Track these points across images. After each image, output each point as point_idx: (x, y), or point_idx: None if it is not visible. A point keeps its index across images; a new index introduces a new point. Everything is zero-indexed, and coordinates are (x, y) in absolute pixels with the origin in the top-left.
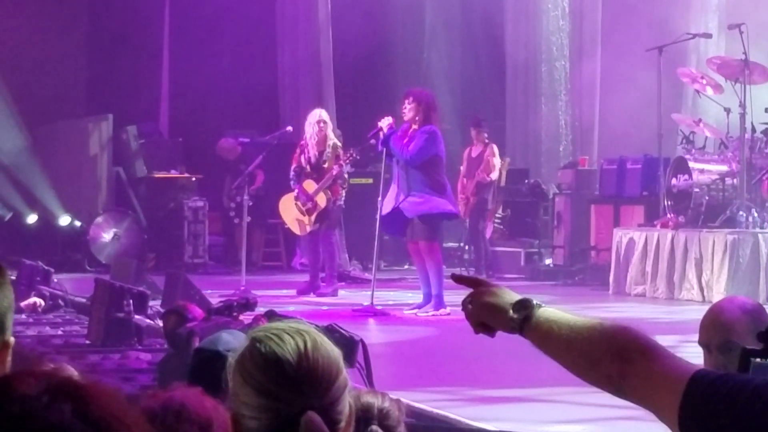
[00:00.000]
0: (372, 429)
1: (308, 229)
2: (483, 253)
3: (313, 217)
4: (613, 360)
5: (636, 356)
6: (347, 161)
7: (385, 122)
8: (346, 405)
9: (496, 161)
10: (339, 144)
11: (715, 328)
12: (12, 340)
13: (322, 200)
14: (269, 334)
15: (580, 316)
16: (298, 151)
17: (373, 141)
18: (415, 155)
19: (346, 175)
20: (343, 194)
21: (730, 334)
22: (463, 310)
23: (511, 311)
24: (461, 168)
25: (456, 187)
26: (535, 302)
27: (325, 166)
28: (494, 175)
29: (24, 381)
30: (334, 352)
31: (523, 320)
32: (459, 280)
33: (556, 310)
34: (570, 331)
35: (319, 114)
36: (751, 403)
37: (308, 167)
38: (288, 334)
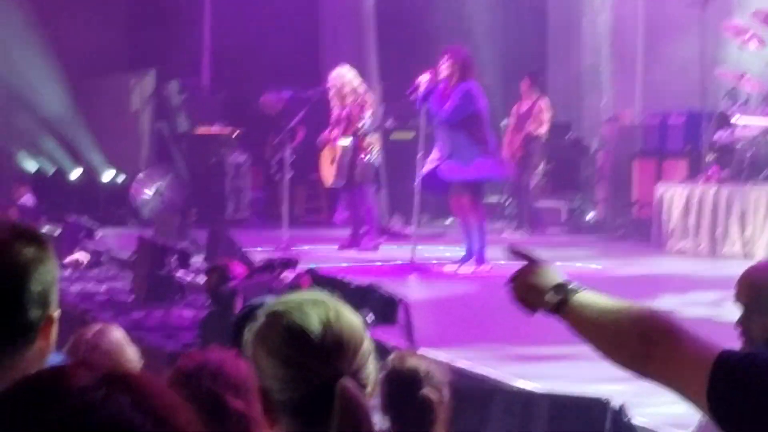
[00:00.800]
0: (423, 393)
1: (331, 179)
2: (526, 208)
3: (334, 167)
4: (639, 342)
5: (661, 338)
6: (361, 112)
7: (424, 78)
8: (372, 370)
9: (546, 116)
10: (367, 99)
11: (745, 286)
12: (56, 314)
13: (339, 149)
14: (289, 307)
15: (613, 301)
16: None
17: (414, 97)
18: (451, 114)
19: (363, 125)
20: (374, 150)
21: (757, 294)
22: (508, 285)
23: (549, 293)
24: (508, 122)
25: (501, 143)
26: (571, 286)
27: (347, 117)
28: (543, 130)
29: (80, 373)
30: (356, 319)
31: (559, 303)
32: (516, 253)
33: (593, 294)
34: (600, 314)
35: (341, 72)
36: None
37: (336, 120)
38: (308, 304)
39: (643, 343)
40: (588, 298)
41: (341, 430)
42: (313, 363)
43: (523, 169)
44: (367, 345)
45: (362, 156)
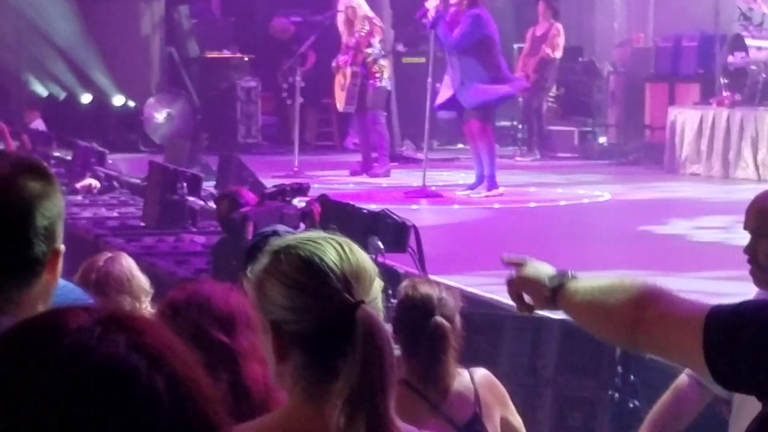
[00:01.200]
0: (435, 320)
1: (342, 104)
2: (536, 132)
3: (346, 94)
4: (630, 309)
5: (648, 303)
6: (369, 38)
7: (432, 2)
8: (382, 307)
9: (561, 40)
10: (376, 23)
11: (754, 213)
12: (62, 248)
13: (348, 75)
14: (301, 241)
15: (607, 279)
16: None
17: (425, 20)
18: (459, 40)
19: (372, 51)
20: (384, 75)
21: (764, 220)
22: (506, 286)
23: (546, 282)
24: (522, 46)
25: (514, 67)
26: (570, 274)
27: (355, 43)
28: (558, 54)
29: (76, 314)
30: (368, 258)
31: (556, 290)
32: (509, 263)
33: (589, 278)
34: (593, 292)
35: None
36: None
37: (345, 46)
38: (321, 239)
39: (632, 308)
40: (583, 281)
41: (365, 358)
42: (331, 291)
43: (536, 93)
44: (379, 282)
45: (372, 82)
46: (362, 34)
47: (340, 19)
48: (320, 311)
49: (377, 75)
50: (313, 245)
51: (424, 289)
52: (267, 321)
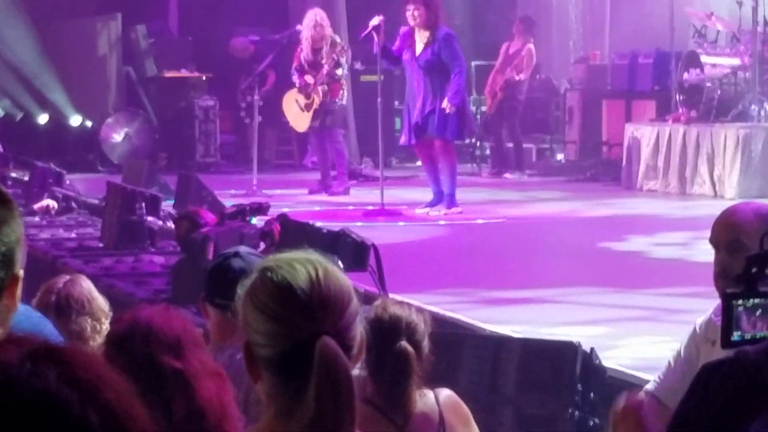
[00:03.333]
0: (400, 345)
1: (307, 125)
2: (499, 150)
3: (310, 114)
4: None
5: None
6: (338, 57)
7: (376, 21)
8: (358, 332)
9: (531, 62)
10: (338, 41)
11: (725, 227)
12: (21, 273)
13: (318, 96)
14: (280, 264)
15: None
16: (299, 49)
17: (373, 41)
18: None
19: (340, 72)
20: (344, 93)
21: (738, 234)
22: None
23: None
24: (480, 64)
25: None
26: None
27: (323, 62)
28: (523, 76)
29: (5, 349)
30: (345, 279)
31: None
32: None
33: None
34: None
35: (314, 16)
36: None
37: (306, 65)
38: (299, 263)
39: None
40: None
41: (319, 389)
42: (298, 319)
43: (505, 112)
44: (355, 306)
45: (333, 100)
46: (333, 57)
47: (306, 33)
48: (287, 338)
49: (338, 94)
50: (288, 269)
51: (394, 311)
52: (243, 340)
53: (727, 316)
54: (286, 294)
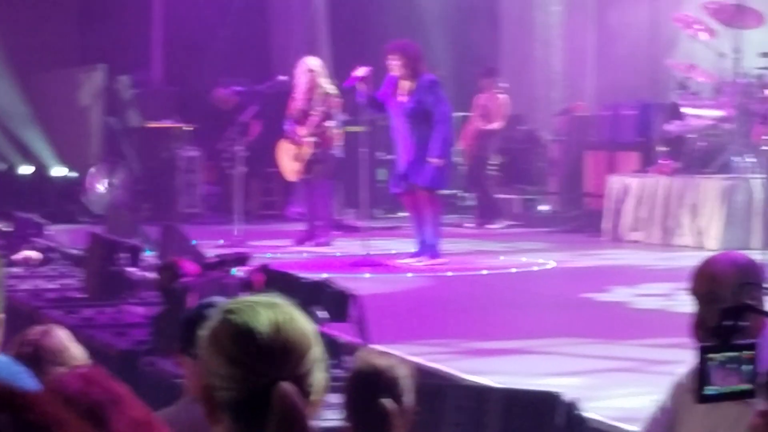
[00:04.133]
0: (382, 401)
1: (298, 175)
2: (483, 201)
3: (300, 164)
4: None
5: None
6: (329, 108)
7: (362, 72)
8: (320, 378)
9: (503, 111)
10: (331, 91)
11: (702, 278)
12: (2, 316)
13: (308, 147)
14: (242, 306)
15: None
16: (291, 98)
17: (357, 89)
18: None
19: (332, 123)
20: (337, 143)
21: (714, 286)
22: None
23: None
24: (462, 115)
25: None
26: None
27: (314, 113)
28: (496, 125)
29: None
30: (308, 325)
31: None
32: None
33: None
34: None
35: (308, 63)
36: None
37: (298, 114)
38: (261, 306)
39: None
40: None
41: None
42: (256, 364)
43: (478, 162)
44: (317, 352)
45: (325, 150)
46: (323, 107)
47: (301, 80)
48: (245, 383)
49: (331, 144)
50: (249, 313)
51: (376, 363)
52: (202, 383)
53: (701, 370)
54: (246, 337)
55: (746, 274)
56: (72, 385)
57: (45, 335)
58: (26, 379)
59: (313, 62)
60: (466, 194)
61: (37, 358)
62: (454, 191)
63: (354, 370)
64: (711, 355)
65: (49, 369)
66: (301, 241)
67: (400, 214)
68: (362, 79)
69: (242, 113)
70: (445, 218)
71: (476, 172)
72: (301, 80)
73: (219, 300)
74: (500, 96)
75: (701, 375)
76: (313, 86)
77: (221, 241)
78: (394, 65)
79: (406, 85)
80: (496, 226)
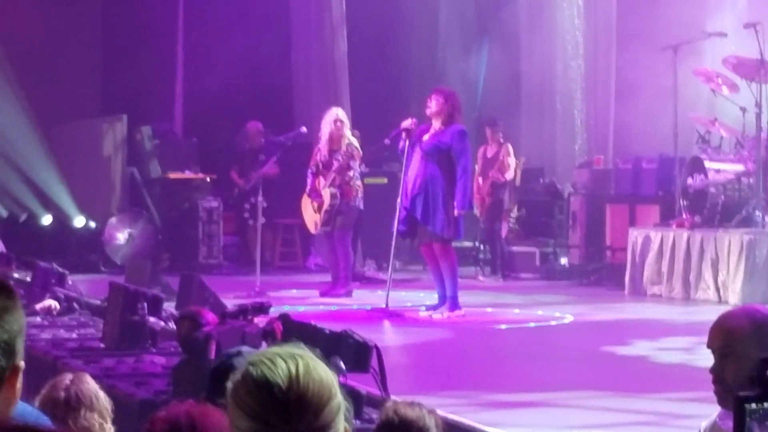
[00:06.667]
0: None
1: (318, 227)
2: (499, 254)
3: (321, 215)
4: None
5: None
6: (347, 160)
7: (408, 123)
8: (340, 429)
9: (511, 161)
10: (356, 144)
11: (719, 332)
12: (22, 364)
13: (327, 198)
14: (263, 358)
15: None
16: (316, 148)
17: (400, 141)
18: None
19: (353, 174)
20: (358, 195)
21: (731, 341)
22: None
23: None
24: (476, 167)
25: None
26: None
27: (336, 163)
28: (509, 175)
29: None
30: (328, 376)
31: None
32: None
33: None
34: None
35: (336, 113)
36: None
37: (321, 165)
38: (281, 358)
39: None
40: None
41: None
42: (273, 418)
43: (495, 215)
44: (337, 402)
45: (347, 201)
46: (342, 159)
47: (324, 131)
48: None
49: (352, 195)
50: (268, 366)
51: (405, 413)
52: None
53: (739, 421)
54: (263, 391)
55: (763, 327)
56: (196, 414)
57: (78, 381)
58: (45, 424)
59: (340, 113)
60: (482, 246)
61: (71, 403)
62: (473, 243)
63: (383, 421)
64: (751, 406)
65: (82, 414)
66: (325, 293)
67: (421, 267)
68: (407, 130)
69: (267, 155)
70: (463, 270)
71: (490, 225)
72: (325, 130)
73: (246, 349)
74: (507, 146)
75: (739, 426)
76: (338, 136)
77: (241, 294)
78: (433, 104)
79: (436, 125)
80: (490, 280)
